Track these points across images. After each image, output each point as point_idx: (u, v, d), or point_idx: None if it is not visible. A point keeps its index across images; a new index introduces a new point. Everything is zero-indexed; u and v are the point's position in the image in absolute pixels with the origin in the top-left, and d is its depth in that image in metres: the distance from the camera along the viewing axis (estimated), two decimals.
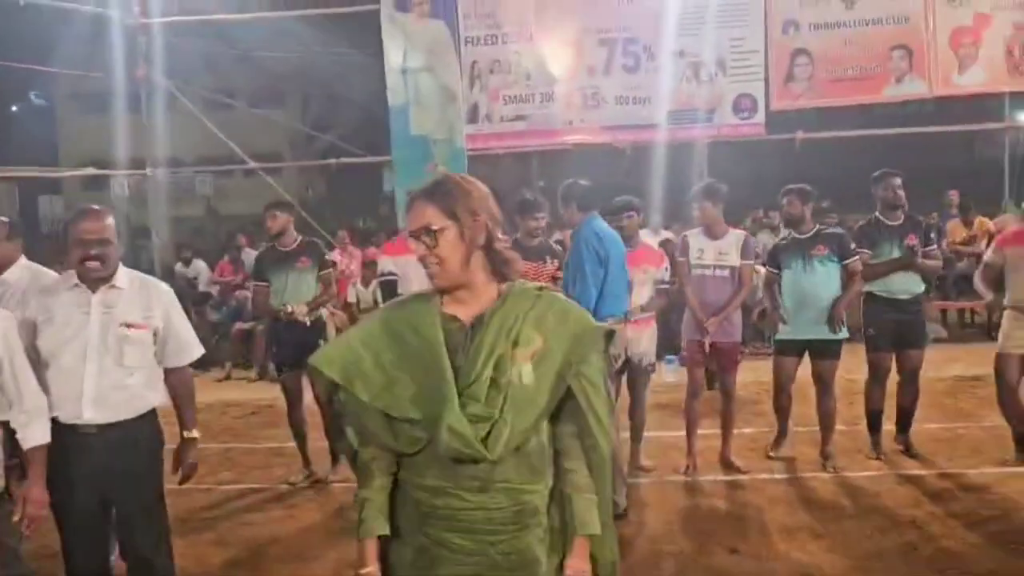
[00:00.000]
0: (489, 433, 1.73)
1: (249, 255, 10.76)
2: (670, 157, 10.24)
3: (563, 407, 1.84)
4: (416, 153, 10.23)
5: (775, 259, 5.38)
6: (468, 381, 1.76)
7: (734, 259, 5.18)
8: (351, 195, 19.99)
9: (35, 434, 2.80)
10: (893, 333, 5.27)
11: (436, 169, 10.62)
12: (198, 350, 3.19)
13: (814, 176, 9.73)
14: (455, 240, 1.80)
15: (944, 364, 7.68)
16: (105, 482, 2.95)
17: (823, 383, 5.20)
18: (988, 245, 9.29)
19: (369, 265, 9.47)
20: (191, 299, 10.10)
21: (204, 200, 19.95)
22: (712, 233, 5.25)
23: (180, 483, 3.20)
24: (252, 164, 11.36)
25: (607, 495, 1.90)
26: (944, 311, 9.77)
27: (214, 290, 10.62)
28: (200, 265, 10.98)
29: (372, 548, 1.83)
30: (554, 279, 4.85)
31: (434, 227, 1.80)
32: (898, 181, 5.39)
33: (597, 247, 4.29)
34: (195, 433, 3.17)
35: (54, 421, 2.87)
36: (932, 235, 5.49)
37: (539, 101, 10.14)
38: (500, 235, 1.88)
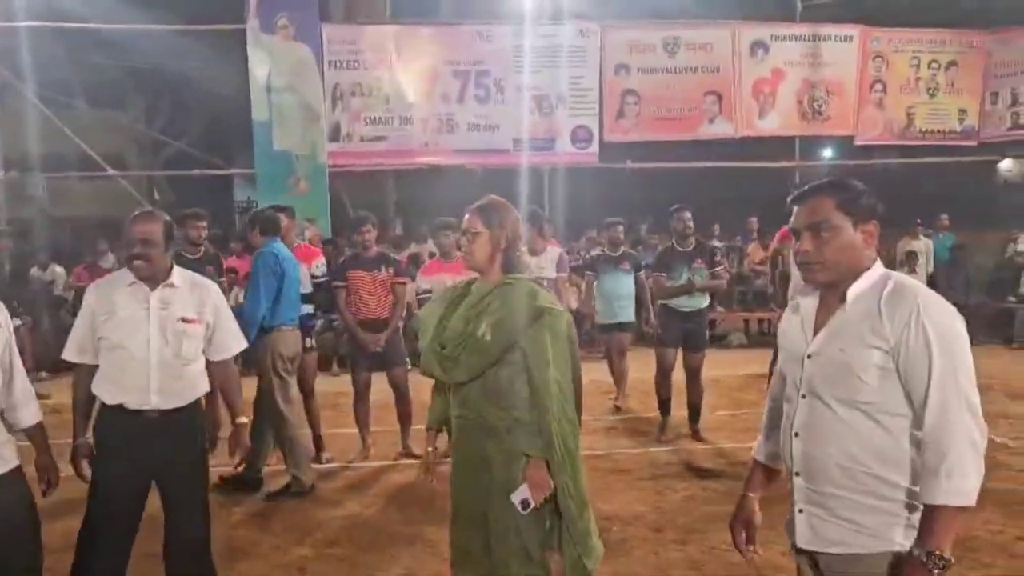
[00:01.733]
0: (453, 366, 2.74)
1: (108, 260, 10.86)
2: (517, 180, 11.28)
3: (514, 362, 2.73)
4: (279, 167, 10.75)
5: (592, 268, 7.64)
6: (446, 331, 2.77)
7: (550, 272, 6.35)
8: (200, 203, 19.82)
9: (31, 414, 2.98)
10: (678, 337, 6.51)
11: (298, 183, 11.19)
12: (242, 343, 3.44)
13: (641, 201, 11.09)
14: (486, 241, 2.77)
15: (741, 364, 9.11)
16: (162, 463, 3.17)
17: (621, 352, 7.56)
18: (781, 265, 10.93)
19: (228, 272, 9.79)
20: (46, 303, 10.16)
21: (36, 202, 19.20)
22: (532, 251, 6.39)
23: (236, 466, 3.60)
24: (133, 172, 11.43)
25: (547, 429, 2.71)
26: (746, 321, 11.32)
27: (69, 295, 10.66)
28: (57, 270, 10.98)
29: (431, 436, 2.97)
30: (393, 286, 5.88)
31: (474, 230, 2.78)
32: (687, 214, 6.48)
33: (273, 266, 5.16)
34: (244, 419, 3.45)
35: (120, 407, 3.10)
36: (717, 258, 6.58)
37: (397, 124, 10.93)
38: (518, 244, 2.87)
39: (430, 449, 3.00)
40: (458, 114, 10.94)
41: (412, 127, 10.89)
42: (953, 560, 1.96)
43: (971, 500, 1.95)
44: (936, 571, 1.94)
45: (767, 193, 10.67)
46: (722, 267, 6.66)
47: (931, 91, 11.40)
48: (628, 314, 7.49)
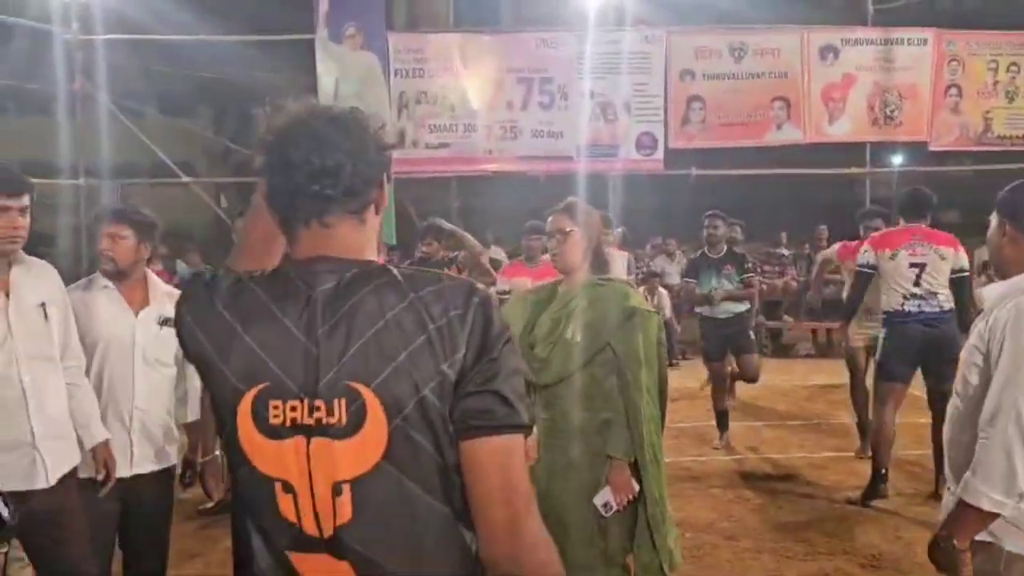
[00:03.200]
0: (542, 367, 2.72)
1: (181, 267, 11.12)
2: (580, 187, 11.24)
3: (604, 363, 2.70)
4: None
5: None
6: (534, 332, 2.77)
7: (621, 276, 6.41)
8: None
9: (192, 411, 3.33)
10: (721, 346, 6.39)
11: None
12: None
13: (706, 208, 10.96)
14: (577, 240, 2.79)
15: (808, 374, 8.92)
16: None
17: None
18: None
19: None
20: None
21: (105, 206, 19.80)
22: None
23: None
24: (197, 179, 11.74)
25: (638, 431, 2.70)
26: (814, 331, 11.08)
27: None
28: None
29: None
30: None
31: (565, 230, 2.78)
32: (719, 222, 6.72)
33: None
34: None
35: None
36: (748, 265, 6.75)
37: (462, 131, 10.98)
38: (604, 244, 2.92)
39: None
40: (521, 121, 10.94)
41: (476, 134, 10.92)
42: (961, 550, 1.99)
43: (982, 504, 1.97)
44: (946, 552, 2.03)
45: (836, 201, 10.45)
46: (753, 275, 6.70)
47: (1010, 95, 11.02)
48: None
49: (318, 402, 1.19)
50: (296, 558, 1.24)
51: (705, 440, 6.59)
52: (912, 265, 5.36)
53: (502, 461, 1.21)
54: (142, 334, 3.17)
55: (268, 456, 1.22)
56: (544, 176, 11.29)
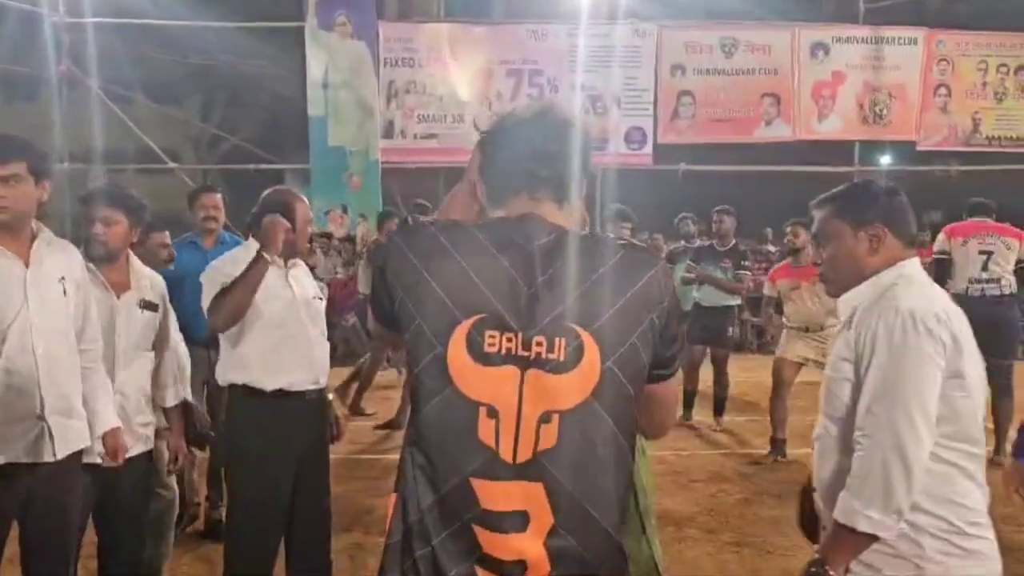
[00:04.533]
0: None
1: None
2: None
3: None
4: (333, 163, 10.84)
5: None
6: None
7: None
8: (253, 197, 20.13)
9: (174, 395, 3.36)
10: (701, 333, 6.93)
11: (351, 179, 11.28)
12: None
13: (693, 204, 10.96)
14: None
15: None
16: (308, 443, 3.27)
17: None
18: None
19: None
20: None
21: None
22: None
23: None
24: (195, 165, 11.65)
25: None
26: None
27: None
28: None
29: None
30: None
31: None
32: (725, 217, 7.04)
33: None
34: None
35: (279, 391, 3.14)
36: (744, 262, 7.39)
37: (450, 121, 10.94)
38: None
39: None
40: None
41: (463, 126, 10.88)
42: (833, 574, 1.86)
43: (856, 523, 1.82)
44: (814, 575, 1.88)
45: None
46: (746, 273, 7.23)
47: (999, 96, 11.07)
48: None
49: (539, 338, 1.34)
50: (478, 484, 1.34)
51: (693, 435, 6.61)
52: (981, 252, 6.15)
53: (673, 397, 1.59)
54: (123, 318, 3.14)
55: (478, 381, 1.34)
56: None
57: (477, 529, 1.35)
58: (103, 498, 3.04)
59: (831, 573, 1.85)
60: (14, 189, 2.60)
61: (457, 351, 1.35)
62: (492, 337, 1.35)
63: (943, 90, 11.07)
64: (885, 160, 15.35)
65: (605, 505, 1.38)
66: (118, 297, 3.14)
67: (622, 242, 1.49)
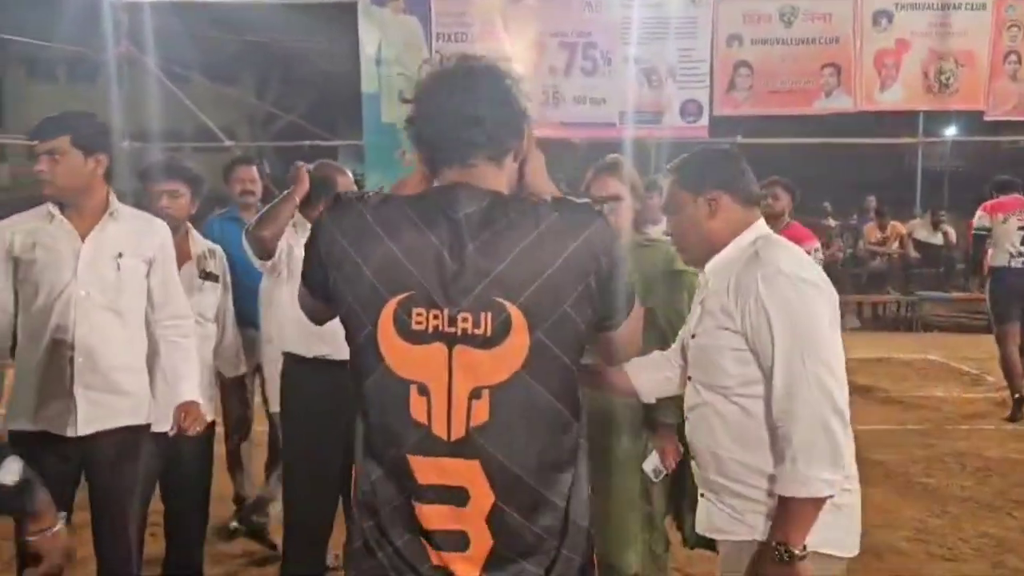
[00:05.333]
0: None
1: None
2: (622, 155, 11.09)
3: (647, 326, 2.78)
4: (386, 140, 10.85)
5: None
6: None
7: None
8: None
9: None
10: None
11: (404, 155, 11.29)
12: None
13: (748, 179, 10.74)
14: (627, 208, 2.84)
15: (852, 348, 8.78)
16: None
17: None
18: (899, 246, 10.45)
19: None
20: None
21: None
22: (653, 220, 6.26)
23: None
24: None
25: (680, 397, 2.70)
26: (859, 304, 10.88)
27: None
28: None
29: None
30: None
31: (617, 196, 2.78)
32: (777, 189, 6.77)
33: None
34: None
35: (320, 358, 3.14)
36: None
37: None
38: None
39: None
40: (564, 87, 10.80)
41: None
42: (801, 554, 1.81)
43: (816, 491, 1.80)
44: (781, 563, 1.82)
45: (887, 171, 10.19)
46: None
47: None
48: None
49: (464, 314, 1.32)
50: (414, 461, 1.34)
51: None
52: (1020, 228, 6.85)
53: (629, 336, 1.52)
54: (185, 289, 3.19)
55: (407, 359, 1.33)
56: (585, 143, 11.19)
57: (416, 505, 1.36)
58: (168, 467, 3.11)
59: (797, 552, 1.80)
60: (57, 163, 2.65)
61: (386, 330, 1.35)
62: (419, 315, 1.34)
63: (1013, 57, 10.64)
64: (951, 131, 14.86)
65: (547, 477, 1.35)
66: (179, 268, 3.20)
67: (555, 203, 1.41)
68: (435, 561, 1.35)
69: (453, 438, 1.33)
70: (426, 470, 1.35)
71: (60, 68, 23.11)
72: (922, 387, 7.25)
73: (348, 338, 1.42)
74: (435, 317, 1.33)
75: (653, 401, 2.27)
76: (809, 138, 11.05)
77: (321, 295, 1.47)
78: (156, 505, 3.16)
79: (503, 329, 1.32)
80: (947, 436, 5.76)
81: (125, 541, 2.76)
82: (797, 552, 1.80)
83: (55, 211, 2.73)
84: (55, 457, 2.65)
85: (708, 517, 2.05)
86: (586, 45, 10.80)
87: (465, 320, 1.33)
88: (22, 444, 2.61)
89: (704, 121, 10.82)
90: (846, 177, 11.23)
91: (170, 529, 3.26)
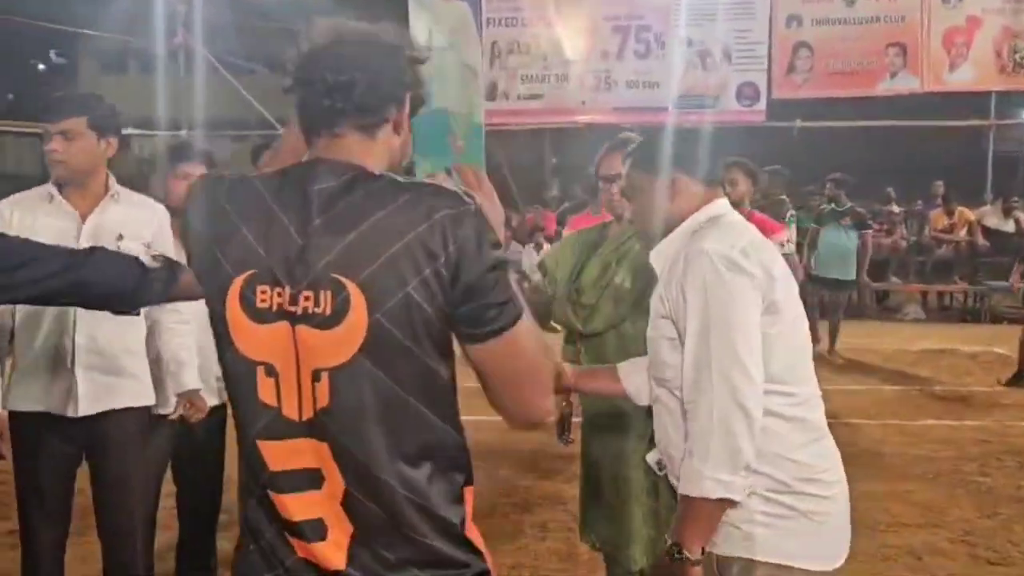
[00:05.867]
0: (590, 315, 2.55)
1: None
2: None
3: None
4: (436, 126, 10.80)
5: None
6: (581, 278, 2.59)
7: None
8: None
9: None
10: None
11: (455, 142, 11.26)
12: None
13: (811, 163, 10.42)
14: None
15: (915, 339, 8.43)
16: None
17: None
18: (967, 234, 9.99)
19: None
20: None
21: (221, 165, 20.50)
22: None
23: None
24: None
25: None
26: (924, 293, 10.45)
27: None
28: None
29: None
30: None
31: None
32: (736, 174, 6.94)
33: None
34: None
35: None
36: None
37: (554, 81, 10.75)
38: None
39: (563, 405, 2.84)
40: (616, 71, 10.63)
41: (569, 85, 10.69)
42: (691, 557, 1.65)
43: (707, 491, 1.62)
44: (673, 562, 1.69)
45: (955, 155, 9.74)
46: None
47: None
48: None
49: (307, 292, 1.26)
50: (264, 446, 1.31)
51: None
52: None
53: (509, 353, 1.29)
54: None
55: (253, 339, 1.30)
56: (638, 129, 10.92)
57: (273, 495, 1.32)
58: (179, 452, 3.09)
59: (689, 556, 1.66)
60: (71, 144, 2.63)
61: (233, 309, 1.31)
62: (263, 293, 1.29)
63: None
64: None
65: (397, 469, 1.29)
66: None
67: (418, 184, 1.33)
68: (300, 553, 1.32)
69: (305, 418, 1.29)
70: (278, 455, 1.32)
71: (131, 60, 23.75)
72: (985, 381, 6.90)
73: (212, 329, 1.38)
74: (278, 295, 1.28)
75: (647, 403, 2.12)
76: (872, 121, 10.64)
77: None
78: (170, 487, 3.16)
79: (342, 308, 1.26)
80: (1007, 433, 5.45)
81: (127, 524, 2.75)
82: (689, 555, 1.66)
83: (55, 192, 2.73)
84: (57, 438, 2.66)
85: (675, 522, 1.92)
86: (639, 28, 10.58)
87: (307, 298, 1.26)
88: (23, 424, 2.62)
89: (761, 105, 10.53)
90: (911, 162, 10.81)
91: (182, 515, 3.25)
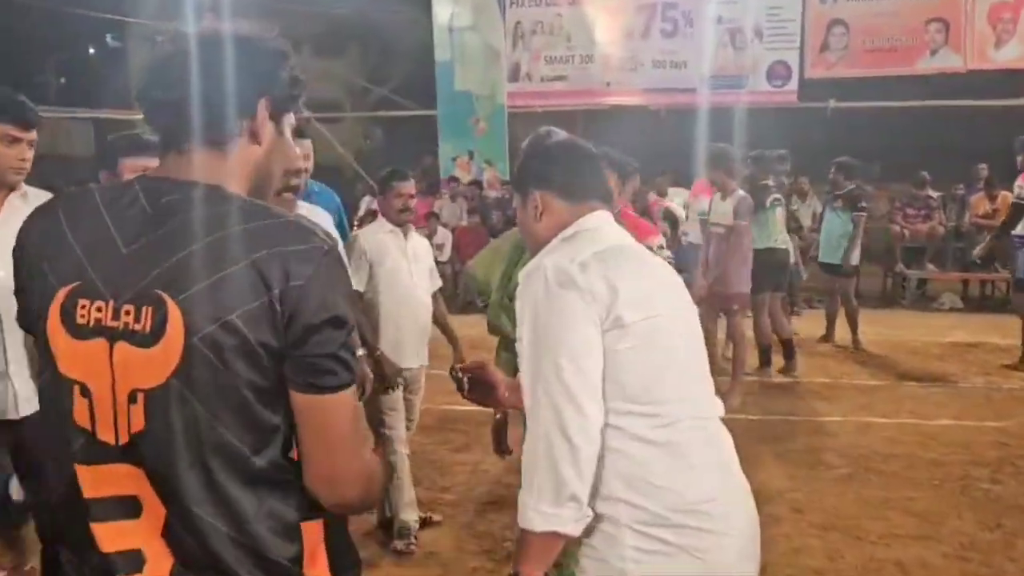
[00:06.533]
0: None
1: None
2: (704, 122, 10.52)
3: None
4: (460, 108, 10.72)
5: None
6: (511, 284, 2.38)
7: (728, 219, 5.65)
8: (407, 146, 20.48)
9: None
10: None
11: (478, 124, 11.11)
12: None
13: (844, 146, 10.00)
14: None
15: (946, 330, 8.07)
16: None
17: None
18: None
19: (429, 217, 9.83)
20: None
21: None
22: (723, 193, 5.74)
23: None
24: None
25: None
26: (965, 282, 10.00)
27: None
28: None
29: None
30: None
31: None
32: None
33: None
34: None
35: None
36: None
37: (578, 62, 10.52)
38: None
39: (497, 418, 2.70)
40: (642, 51, 10.35)
41: (593, 65, 10.45)
42: None
43: (529, 522, 1.50)
44: None
45: (1000, 137, 9.21)
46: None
47: None
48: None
49: (127, 307, 1.21)
50: (80, 471, 1.24)
51: (803, 395, 6.05)
52: None
53: (335, 416, 1.23)
54: None
55: (71, 357, 1.24)
56: (665, 109, 10.67)
57: (90, 524, 1.24)
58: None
59: None
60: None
61: (54, 324, 1.24)
62: (84, 307, 1.23)
63: None
64: None
65: (210, 502, 1.21)
66: None
67: (275, 213, 1.24)
68: None
69: (121, 442, 1.22)
70: (93, 480, 1.24)
71: None
72: (1013, 378, 6.52)
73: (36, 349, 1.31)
74: (98, 310, 1.22)
75: None
76: (911, 101, 10.15)
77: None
78: None
79: (160, 326, 1.19)
80: None
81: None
82: None
83: None
84: (3, 447, 2.62)
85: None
86: (665, 5, 10.24)
87: (128, 313, 1.20)
88: None
89: (793, 85, 10.15)
90: (952, 144, 10.27)
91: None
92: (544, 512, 1.48)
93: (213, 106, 1.25)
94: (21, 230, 1.35)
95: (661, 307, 1.59)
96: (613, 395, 1.52)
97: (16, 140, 2.57)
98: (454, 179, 10.82)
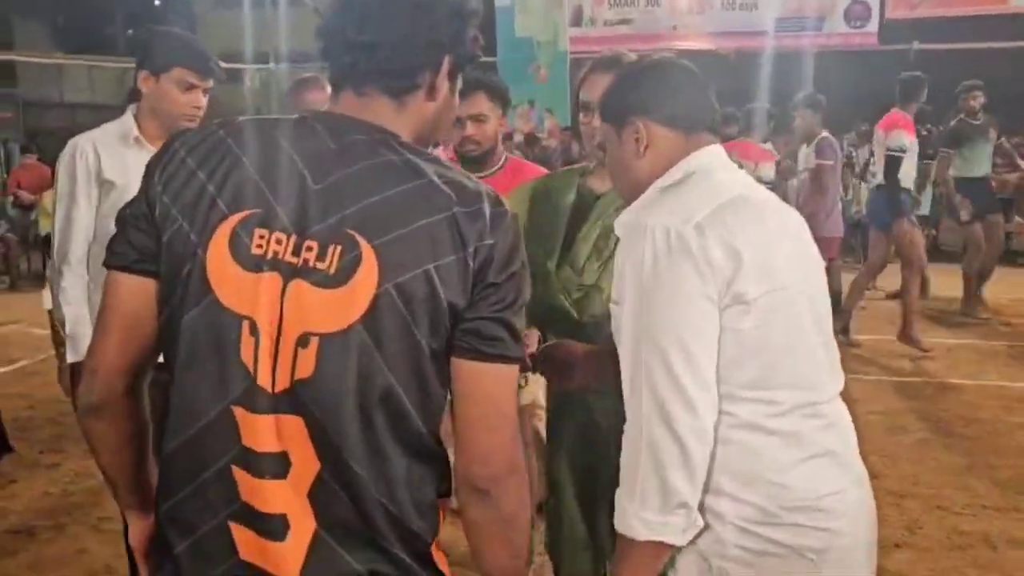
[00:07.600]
0: (585, 299, 1.95)
1: None
2: (777, 66, 10.09)
3: None
4: (520, 55, 10.47)
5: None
6: (576, 248, 1.99)
7: (812, 161, 5.68)
8: None
9: None
10: None
11: (539, 71, 10.85)
12: None
13: (928, 91, 9.48)
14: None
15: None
16: None
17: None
18: None
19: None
20: None
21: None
22: (808, 138, 5.88)
23: None
24: None
25: None
26: None
27: None
28: None
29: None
30: None
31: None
32: (978, 92, 6.75)
33: None
34: None
35: None
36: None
37: (643, 5, 10.15)
38: None
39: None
40: None
41: (659, 8, 10.09)
42: None
43: (628, 529, 1.33)
44: None
45: None
46: None
47: None
48: None
49: (310, 243, 1.14)
50: (241, 415, 1.15)
51: (876, 358, 5.78)
52: None
53: (497, 389, 1.19)
54: None
55: (238, 289, 1.16)
56: (735, 54, 10.24)
57: (237, 471, 1.16)
58: None
59: None
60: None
61: (219, 251, 1.15)
62: (261, 237, 1.14)
63: None
64: None
65: (368, 462, 1.15)
66: None
67: (461, 172, 1.21)
68: (243, 554, 1.15)
69: (277, 390, 1.14)
70: (251, 428, 1.15)
71: None
72: None
73: (164, 270, 1.20)
74: (278, 242, 1.14)
75: None
76: (999, 42, 9.55)
77: (134, 239, 1.24)
78: None
79: (350, 268, 1.12)
80: None
81: None
82: None
83: (137, 133, 2.64)
84: None
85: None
86: None
87: (310, 250, 1.13)
88: None
89: (873, 26, 9.64)
90: None
91: None
92: (648, 520, 1.33)
93: (406, 56, 1.21)
94: (165, 160, 1.25)
95: (788, 276, 1.37)
96: (728, 379, 1.34)
97: (192, 87, 2.55)
98: (508, 136, 10.64)
